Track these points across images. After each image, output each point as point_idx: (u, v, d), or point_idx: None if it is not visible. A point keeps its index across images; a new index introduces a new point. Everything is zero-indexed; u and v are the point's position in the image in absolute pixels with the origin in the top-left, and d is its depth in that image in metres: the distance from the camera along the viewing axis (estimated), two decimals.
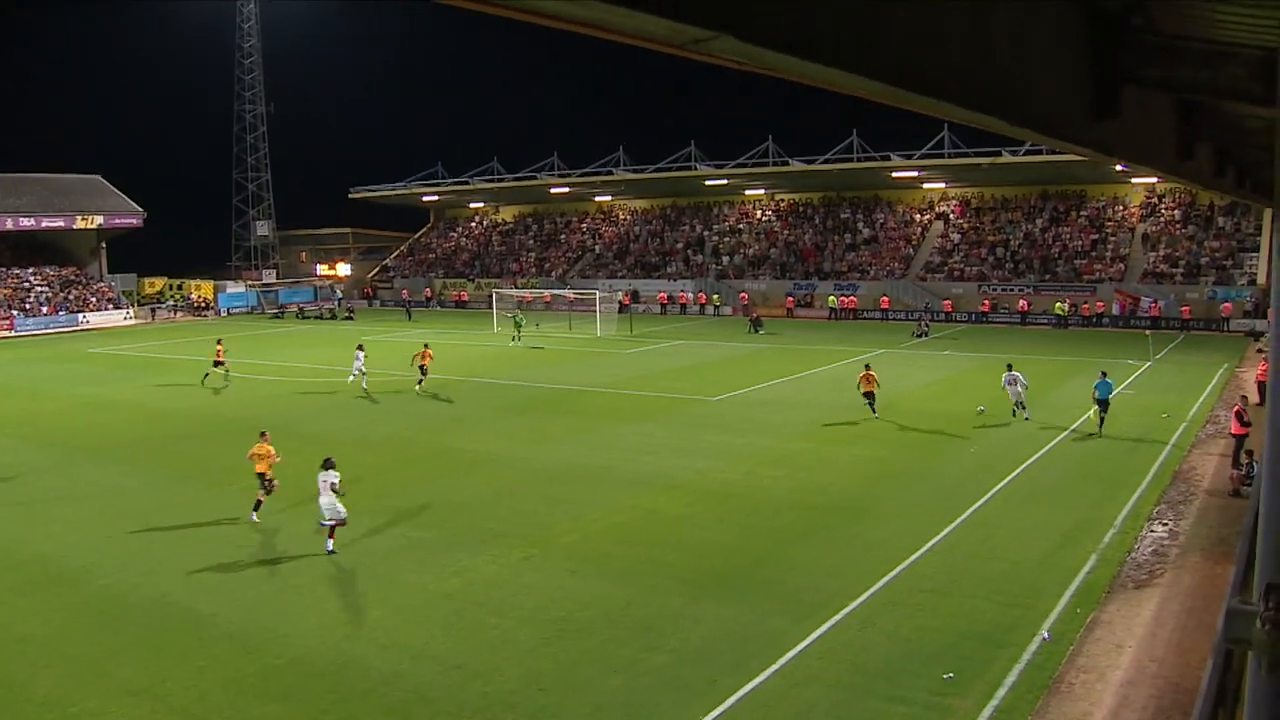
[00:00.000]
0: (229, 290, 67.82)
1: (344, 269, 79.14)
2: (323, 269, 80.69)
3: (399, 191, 71.07)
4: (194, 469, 17.40)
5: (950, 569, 11.59)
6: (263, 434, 15.36)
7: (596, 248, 66.08)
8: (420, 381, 25.13)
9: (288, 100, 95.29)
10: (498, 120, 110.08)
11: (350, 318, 57.22)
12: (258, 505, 14.38)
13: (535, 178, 63.70)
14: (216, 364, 27.43)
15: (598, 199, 69.98)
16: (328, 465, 13.38)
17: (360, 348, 26.99)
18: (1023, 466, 16.48)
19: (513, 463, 17.94)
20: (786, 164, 55.21)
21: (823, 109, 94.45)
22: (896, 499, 14.69)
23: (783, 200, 62.92)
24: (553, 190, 65.16)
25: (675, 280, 58.49)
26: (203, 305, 64.85)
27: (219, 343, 29.85)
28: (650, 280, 59.68)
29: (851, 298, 51.28)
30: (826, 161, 53.34)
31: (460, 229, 77.49)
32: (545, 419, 21.44)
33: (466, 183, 66.85)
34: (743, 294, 54.72)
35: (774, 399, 24.24)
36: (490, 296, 56.16)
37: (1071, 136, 3.91)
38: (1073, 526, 13.18)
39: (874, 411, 20.48)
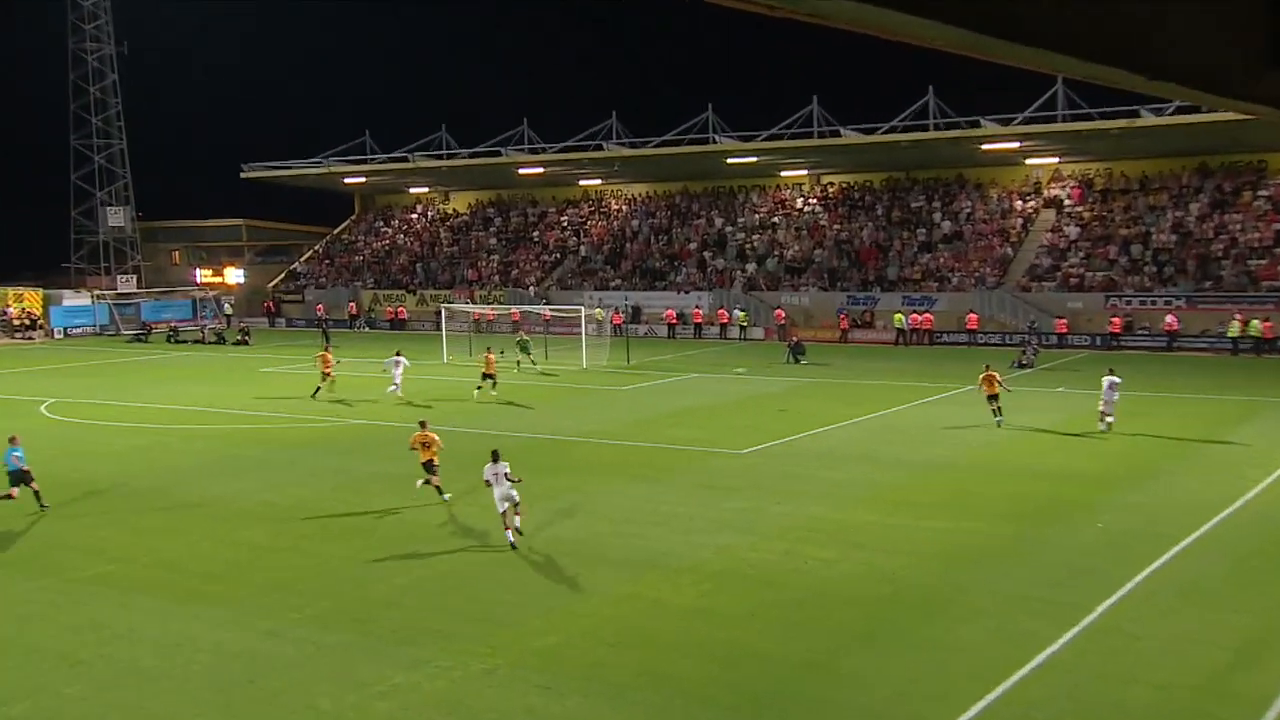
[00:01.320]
0: (67, 303, 67.12)
1: (235, 275, 79.18)
2: (204, 275, 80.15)
3: (312, 171, 71.03)
4: None
5: (1071, 694, 10.73)
6: (422, 422, 21.32)
7: (582, 248, 66.95)
8: (481, 388, 33.32)
9: (148, 39, 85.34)
10: (448, 76, 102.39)
11: (245, 341, 57.48)
12: (436, 489, 20.18)
13: (499, 154, 63.91)
14: (325, 375, 34.68)
15: (583, 183, 70.68)
16: (496, 457, 17.79)
17: (399, 354, 34.33)
18: (1175, 549, 15.83)
19: (470, 535, 18.21)
20: (837, 134, 54.44)
21: (887, 59, 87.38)
22: (991, 591, 14.29)
23: (832, 184, 63.33)
24: (522, 171, 65.42)
25: (686, 292, 59.04)
26: (27, 324, 64.12)
27: (325, 350, 36.92)
28: (654, 293, 60.29)
29: (926, 315, 50.88)
30: (892, 130, 51.96)
31: (397, 222, 78.76)
32: (528, 477, 22.17)
33: (405, 159, 66.97)
34: (778, 310, 54.91)
35: (821, 452, 24.76)
36: (438, 314, 56.63)
37: (1232, 92, 3.61)
38: (1250, 637, 12.18)
39: (999, 418, 21.71)
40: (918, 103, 51.81)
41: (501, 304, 60.39)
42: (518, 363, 40.83)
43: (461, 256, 70.36)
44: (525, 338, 42.43)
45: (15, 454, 20.26)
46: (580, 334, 44.40)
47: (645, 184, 69.17)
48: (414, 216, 77.61)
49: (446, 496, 20.07)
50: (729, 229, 63.12)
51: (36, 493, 20.37)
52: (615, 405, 32.98)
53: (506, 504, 17.60)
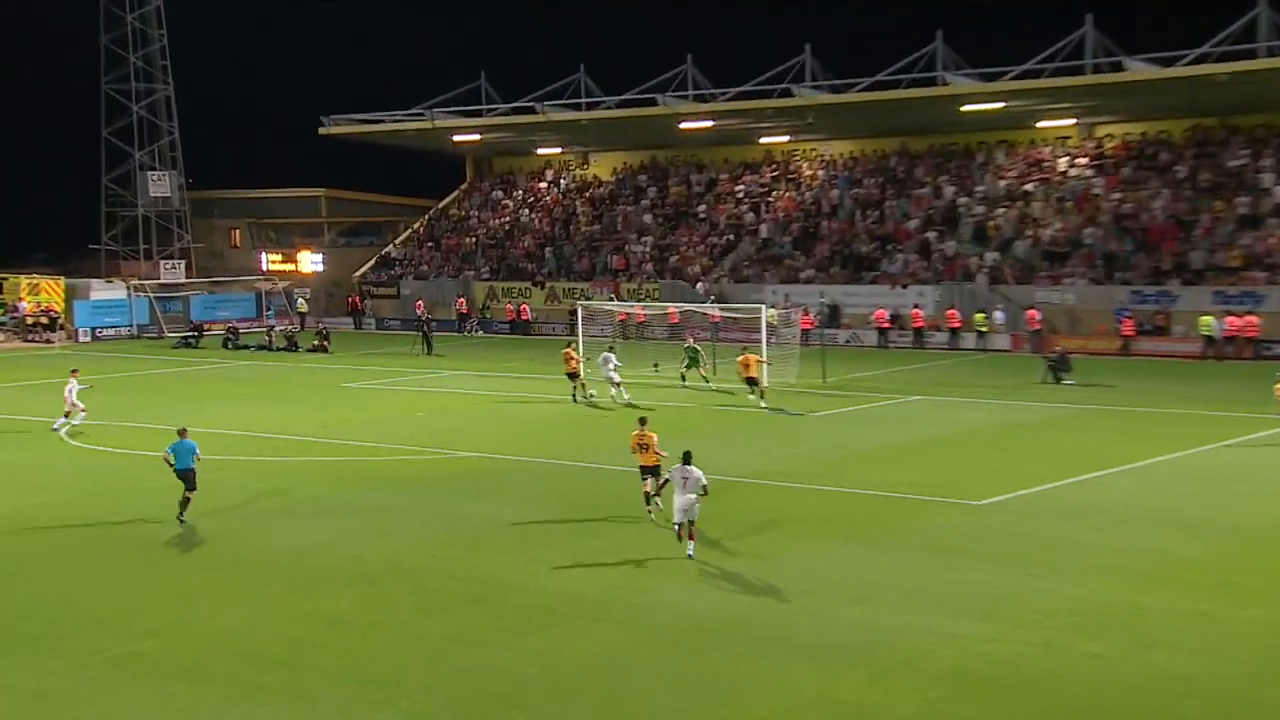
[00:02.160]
0: (96, 295, 70.38)
1: (311, 261, 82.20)
2: (272, 261, 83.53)
3: (412, 125, 72.95)
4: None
5: None
6: (642, 419, 24.39)
7: (762, 228, 67.72)
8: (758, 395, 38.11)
9: None
10: (587, 3, 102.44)
11: (322, 347, 59.75)
12: (648, 499, 23.54)
13: (654, 102, 65.06)
14: (571, 375, 40.32)
15: (765, 140, 71.71)
16: (688, 459, 21.26)
17: (612, 349, 39.76)
18: None
19: (607, 609, 18.47)
20: (1119, 67, 53.71)
21: None
22: None
23: (1110, 137, 62.57)
24: (684, 125, 66.73)
25: (904, 287, 59.04)
26: (44, 322, 67.25)
27: (570, 348, 41.58)
28: (858, 287, 60.49)
29: (1248, 316, 49.92)
30: (1203, 59, 50.51)
31: (520, 193, 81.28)
32: (664, 532, 22.53)
33: (532, 110, 68.55)
34: (1031, 310, 54.48)
35: (1092, 506, 24.56)
36: (572, 314, 57.31)
37: None
38: None
39: None
40: (1241, 19, 49.89)
41: (656, 301, 61.15)
42: (681, 375, 42.94)
43: (604, 238, 71.60)
44: (694, 345, 44.09)
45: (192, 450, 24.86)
46: (760, 341, 44.37)
47: (849, 141, 69.14)
48: (543, 185, 79.54)
49: (653, 504, 23.50)
50: (963, 200, 62.41)
51: (186, 502, 24.63)
52: (806, 436, 33.46)
53: (684, 516, 20.91)
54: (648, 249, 68.83)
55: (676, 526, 21.16)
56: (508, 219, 77.40)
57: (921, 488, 26.22)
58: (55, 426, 35.60)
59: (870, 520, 23.67)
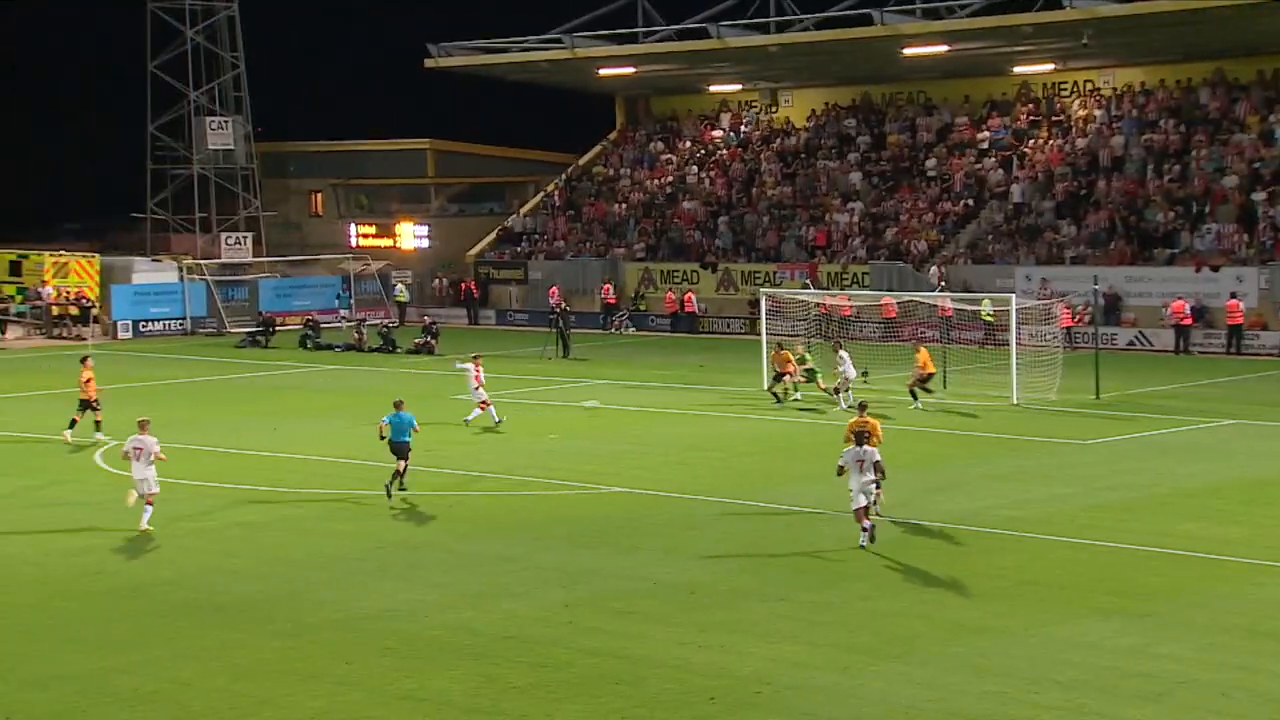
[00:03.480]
0: (139, 278, 72.37)
1: (415, 235, 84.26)
2: (364, 234, 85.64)
3: (546, 55, 74.60)
4: None
5: None
6: (780, 344, 35.58)
7: (1014, 189, 67.41)
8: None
9: None
10: None
11: (428, 346, 61.00)
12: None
13: (868, 20, 65.00)
14: (779, 376, 43.68)
15: (1020, 70, 71.85)
16: (861, 440, 26.75)
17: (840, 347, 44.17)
18: None
19: (785, 698, 18.29)
20: None
21: None
22: None
23: None
24: (909, 51, 67.09)
25: (1214, 269, 58.15)
26: (75, 313, 69.50)
27: (780, 349, 44.63)
28: (1147, 269, 59.99)
29: None
30: None
31: (687, 145, 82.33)
32: (868, 601, 22.81)
33: (703, 33, 69.20)
34: None
35: None
36: (752, 305, 58.05)
37: None
38: None
39: None
40: None
41: (867, 290, 61.10)
42: (782, 390, 44.37)
43: (798, 205, 71.71)
44: (809, 351, 45.99)
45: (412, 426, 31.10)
46: (1010, 344, 43.94)
47: (1140, 67, 68.26)
48: (717, 135, 79.95)
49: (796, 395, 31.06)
50: None
51: (400, 474, 30.70)
52: (1075, 472, 33.64)
53: (864, 498, 25.58)
54: (856, 219, 68.76)
55: (856, 510, 25.63)
56: (670, 179, 77.90)
57: (1240, 547, 25.85)
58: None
59: (1165, 589, 23.35)
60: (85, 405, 38.62)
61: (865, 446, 26.09)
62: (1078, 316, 55.14)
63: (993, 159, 68.42)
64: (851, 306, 58.01)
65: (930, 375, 42.57)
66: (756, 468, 34.07)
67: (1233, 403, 43.08)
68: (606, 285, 70.86)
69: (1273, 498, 30.28)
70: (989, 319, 53.24)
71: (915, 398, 42.38)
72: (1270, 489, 31.11)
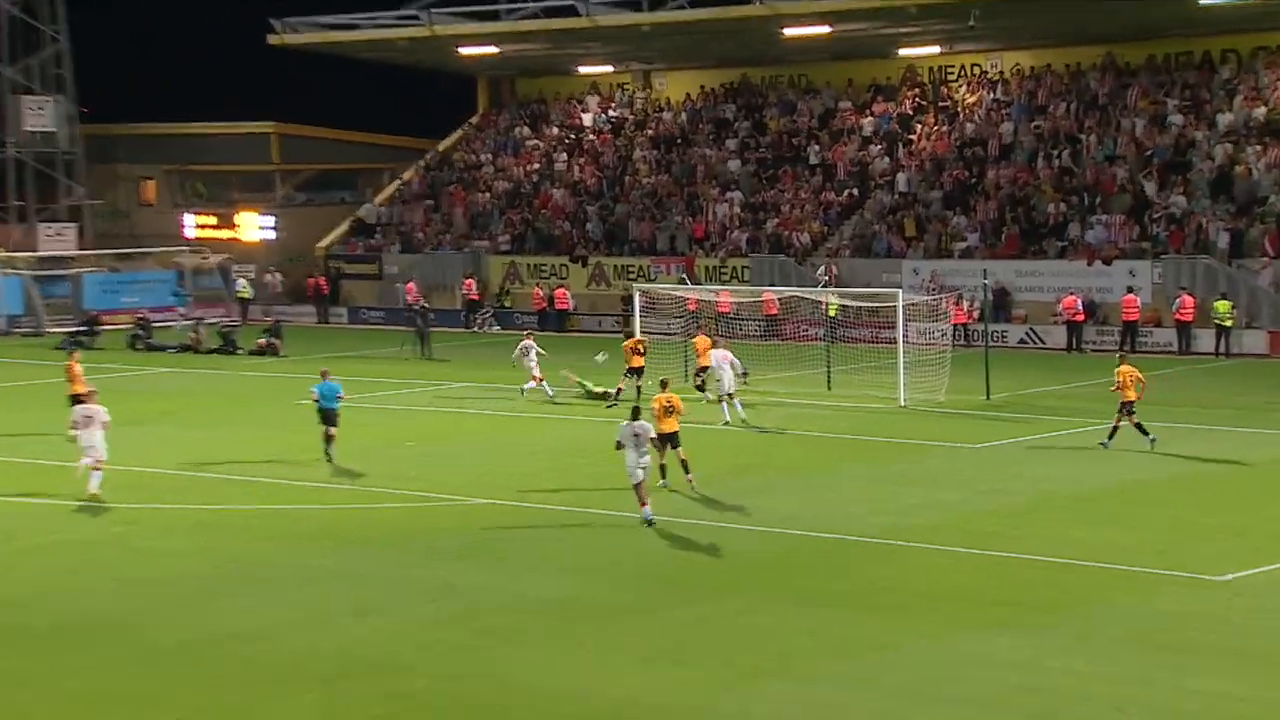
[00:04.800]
0: None
1: (258, 225, 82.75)
2: (202, 224, 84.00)
3: (402, 31, 73.83)
4: None
5: None
6: (664, 382, 33.34)
7: (900, 177, 67.93)
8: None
9: None
10: None
11: (271, 347, 60.17)
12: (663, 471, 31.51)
13: None
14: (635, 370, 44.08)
15: (907, 52, 72.09)
16: (637, 414, 29.23)
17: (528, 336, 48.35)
18: None
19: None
20: None
21: None
22: None
23: None
24: (790, 31, 67.23)
25: (1106, 263, 59.03)
26: None
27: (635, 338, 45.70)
28: (1037, 263, 60.84)
29: None
30: None
31: (555, 130, 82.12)
32: (748, 618, 22.79)
33: (571, 10, 68.98)
34: None
35: None
36: (625, 302, 58.13)
37: None
38: None
39: None
40: None
41: (747, 284, 61.48)
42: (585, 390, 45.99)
43: (674, 194, 71.94)
44: (604, 356, 47.87)
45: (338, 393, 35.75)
46: (895, 341, 44.59)
47: (1029, 50, 69.19)
48: (587, 119, 79.95)
49: (665, 483, 30.94)
50: (1199, 135, 62.19)
51: (329, 440, 35.39)
52: (963, 477, 34.04)
53: (641, 473, 28.16)
54: (735, 209, 69.09)
55: (636, 486, 28.15)
56: (537, 167, 77.90)
57: (1132, 554, 26.15)
58: None
59: (1058, 600, 23.52)
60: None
61: (641, 421, 28.43)
62: (970, 312, 55.93)
63: (878, 146, 69.03)
64: (731, 303, 58.29)
65: (705, 368, 43.08)
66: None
67: (1147, 402, 43.54)
68: (469, 280, 70.48)
69: (1165, 500, 30.84)
70: (833, 313, 53.62)
71: (702, 390, 43.41)
72: (1163, 491, 31.69)
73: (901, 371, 43.93)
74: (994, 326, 53.65)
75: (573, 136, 79.01)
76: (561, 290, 68.52)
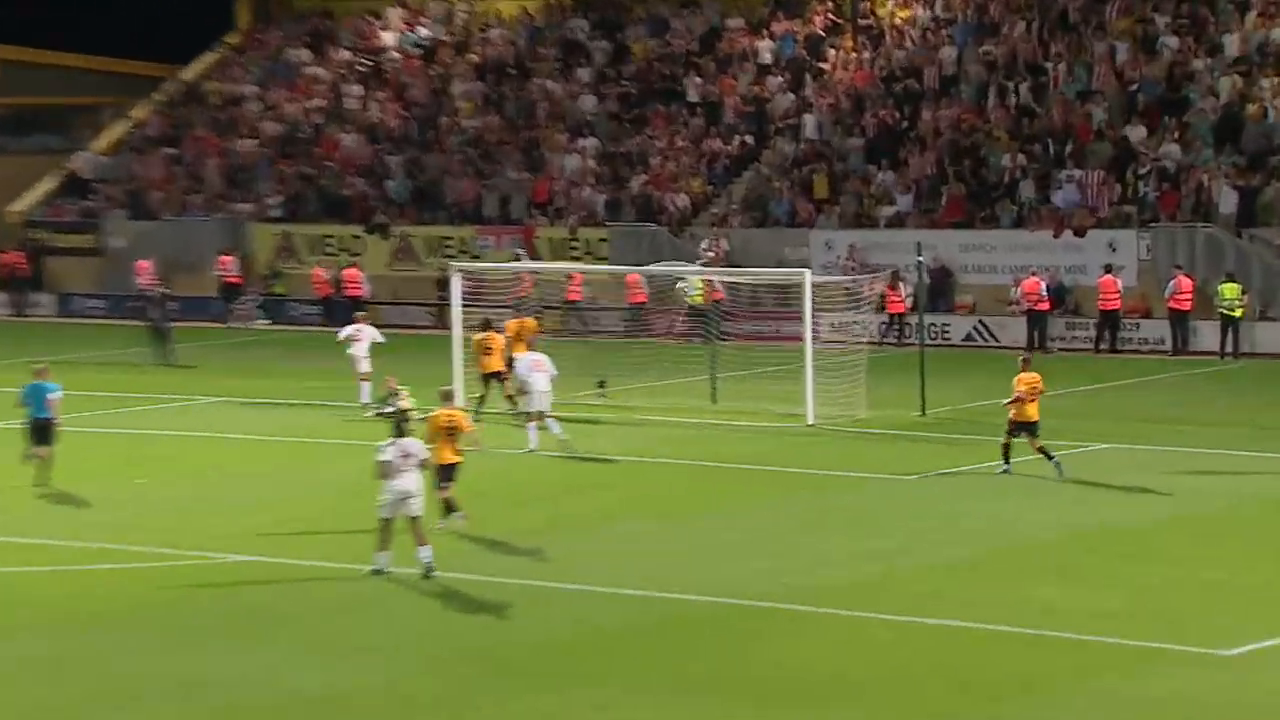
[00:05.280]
0: None
1: None
2: None
3: None
4: None
5: None
6: (447, 393, 33.50)
7: (809, 119, 67.91)
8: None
9: None
10: None
11: None
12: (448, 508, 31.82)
13: None
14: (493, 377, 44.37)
15: None
16: (403, 430, 29.89)
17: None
18: None
19: None
20: None
21: None
22: None
23: None
24: None
25: (1079, 235, 59.54)
26: None
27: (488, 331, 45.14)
28: (988, 233, 61.21)
29: None
30: None
31: (345, 55, 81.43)
32: (629, 710, 22.94)
33: None
34: None
35: None
36: (441, 286, 58.19)
37: None
38: None
39: None
40: None
41: (604, 263, 61.94)
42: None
43: (506, 143, 71.83)
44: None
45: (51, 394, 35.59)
46: (803, 339, 44.61)
47: None
48: (389, 39, 79.85)
49: (442, 525, 31.10)
50: (1199, 63, 63.01)
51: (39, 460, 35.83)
52: (885, 517, 34.50)
53: (410, 509, 28.65)
54: (590, 162, 69.19)
55: (383, 521, 28.78)
56: (321, 103, 77.65)
57: (1117, 622, 26.10)
58: None
59: (1021, 684, 23.45)
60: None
61: (409, 439, 29.29)
62: (904, 299, 56.32)
63: (778, 78, 69.29)
64: (581, 287, 58.26)
65: (497, 374, 43.53)
66: (496, 524, 33.33)
67: (1105, 419, 43.99)
68: (226, 257, 70.14)
69: (1156, 548, 31.03)
70: (697, 301, 53.87)
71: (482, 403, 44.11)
72: (1153, 537, 31.90)
73: (810, 379, 44.02)
74: (931, 318, 54.15)
75: (369, 63, 78.89)
76: (353, 271, 67.76)
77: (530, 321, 44.79)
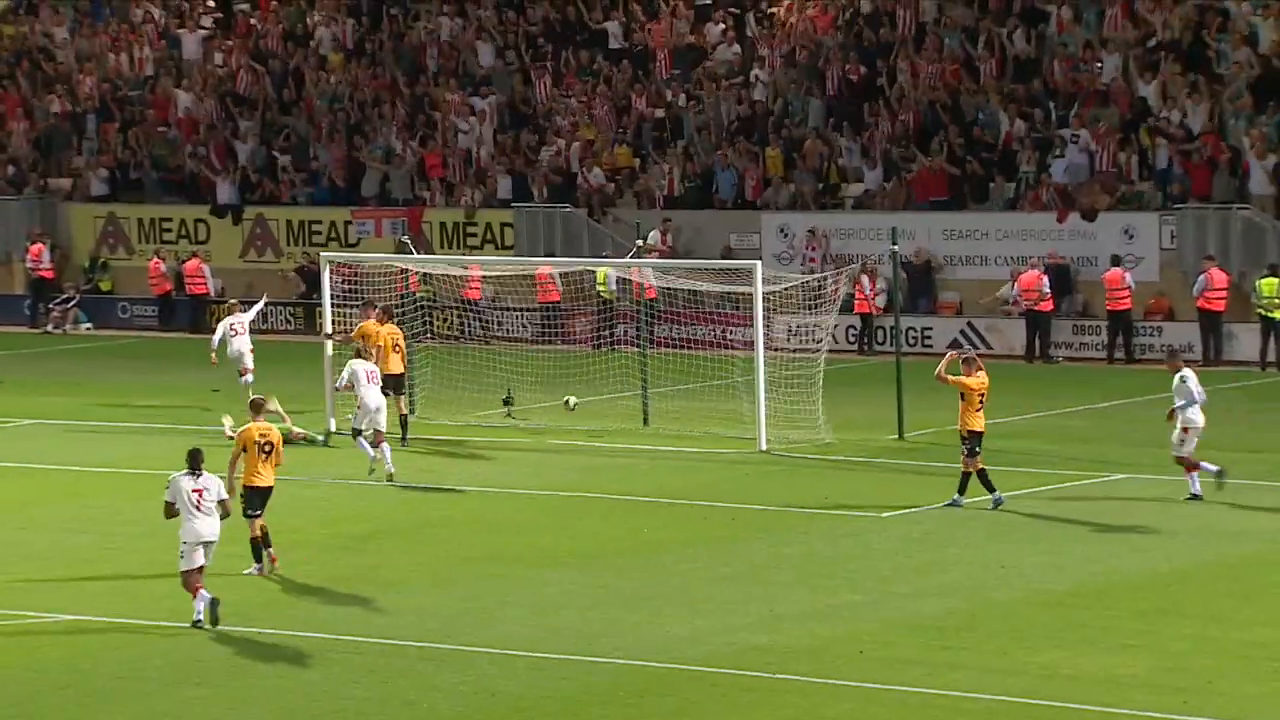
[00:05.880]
0: None
1: None
2: None
3: None
4: None
5: None
6: (256, 403, 33.92)
7: (758, 75, 67.98)
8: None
9: None
10: None
11: None
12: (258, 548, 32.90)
13: None
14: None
15: None
16: (198, 462, 29.69)
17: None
18: None
19: None
20: None
21: None
22: None
23: None
24: None
25: (1088, 219, 60.00)
26: None
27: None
28: (975, 215, 61.62)
29: None
30: None
31: None
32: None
33: None
34: None
35: None
36: (303, 275, 58.53)
37: None
38: None
39: None
40: None
41: (508, 253, 62.98)
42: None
43: (387, 101, 71.86)
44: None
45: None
46: (753, 345, 45.02)
47: None
48: None
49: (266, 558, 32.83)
50: (1233, 6, 63.38)
51: None
52: (855, 563, 34.59)
53: (202, 554, 29.41)
54: (490, 125, 69.47)
55: (189, 573, 29.41)
56: (153, 51, 77.53)
57: (1136, 691, 26.10)
58: None
59: None
60: None
61: (205, 473, 29.66)
62: (874, 296, 56.76)
63: (718, 24, 69.62)
64: (481, 283, 58.84)
65: (399, 376, 45.49)
66: (337, 568, 33.90)
67: (1120, 443, 44.40)
68: (36, 246, 69.93)
69: (1180, 602, 31.18)
70: (607, 293, 54.87)
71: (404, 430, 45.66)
72: (1177, 587, 32.05)
73: (762, 395, 44.33)
74: (909, 321, 54.67)
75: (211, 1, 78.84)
76: (195, 263, 68.14)
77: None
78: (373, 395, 41.24)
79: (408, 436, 44.89)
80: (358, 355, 42.48)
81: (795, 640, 29.09)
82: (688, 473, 42.49)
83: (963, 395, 36.54)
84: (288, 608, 30.88)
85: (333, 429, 45.36)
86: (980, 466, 36.59)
